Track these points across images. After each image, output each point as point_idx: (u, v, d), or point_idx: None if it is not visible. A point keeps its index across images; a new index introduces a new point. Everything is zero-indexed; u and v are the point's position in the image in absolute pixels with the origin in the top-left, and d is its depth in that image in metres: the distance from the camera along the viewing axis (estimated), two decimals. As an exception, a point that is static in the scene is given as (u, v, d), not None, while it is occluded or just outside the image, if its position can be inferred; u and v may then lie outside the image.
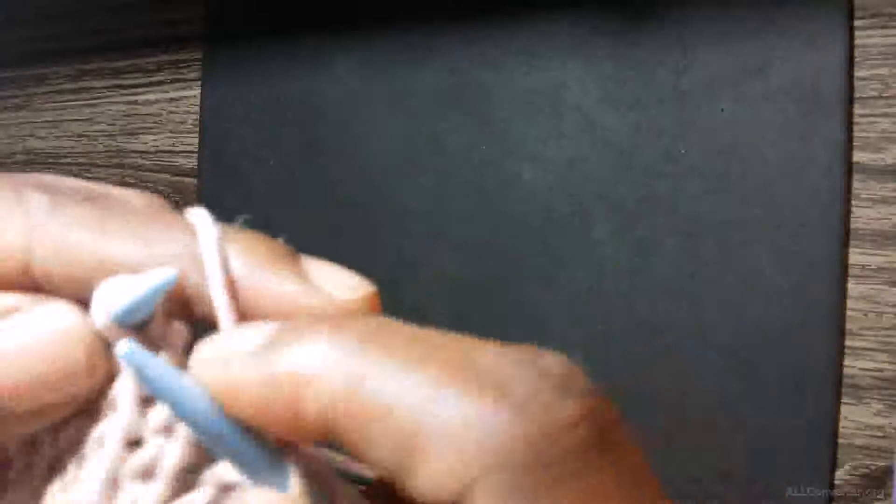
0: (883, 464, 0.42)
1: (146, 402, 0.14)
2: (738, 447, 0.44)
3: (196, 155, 0.62)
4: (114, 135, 0.66)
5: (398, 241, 0.53)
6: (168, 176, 0.63)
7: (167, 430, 0.14)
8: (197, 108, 0.62)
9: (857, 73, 0.43)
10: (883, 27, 0.42)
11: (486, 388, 0.12)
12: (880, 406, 0.42)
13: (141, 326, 0.14)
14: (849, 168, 0.43)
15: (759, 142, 0.44)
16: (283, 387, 0.13)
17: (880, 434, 0.42)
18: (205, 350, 0.14)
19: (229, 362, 0.13)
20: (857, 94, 0.43)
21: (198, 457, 0.14)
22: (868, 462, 0.42)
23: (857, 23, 0.43)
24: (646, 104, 0.47)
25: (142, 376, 0.14)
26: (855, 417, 0.42)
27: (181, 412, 0.13)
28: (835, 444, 0.42)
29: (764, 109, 0.44)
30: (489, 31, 0.51)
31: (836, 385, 0.42)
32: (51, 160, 0.69)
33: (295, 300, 0.14)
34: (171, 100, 0.63)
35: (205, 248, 0.14)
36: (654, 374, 0.46)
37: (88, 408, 0.14)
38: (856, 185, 0.43)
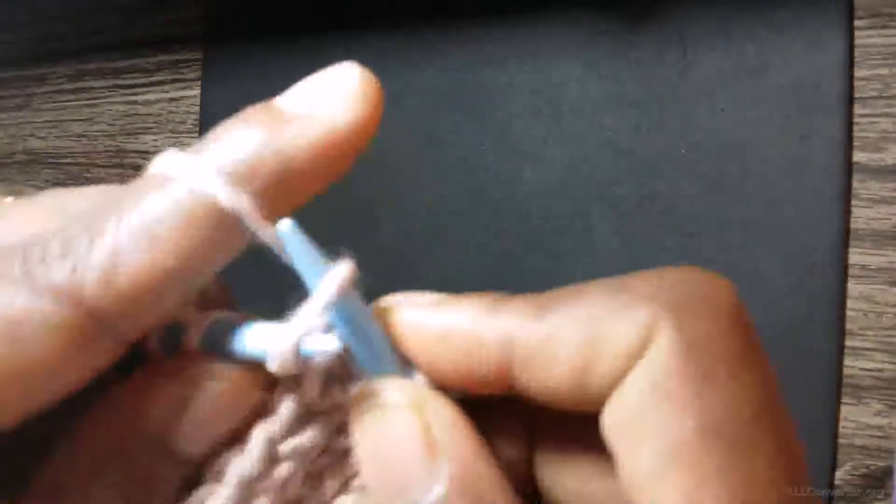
0: (883, 464, 0.42)
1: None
2: (738, 447, 0.44)
3: (196, 155, 0.62)
4: (114, 135, 0.66)
5: (398, 240, 0.53)
6: (168, 176, 0.63)
7: None
8: (197, 108, 0.62)
9: (857, 73, 0.43)
10: (883, 27, 0.42)
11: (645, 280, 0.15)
12: (880, 406, 0.42)
13: None
14: (849, 168, 0.43)
15: (759, 142, 0.44)
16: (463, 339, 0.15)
17: (880, 434, 0.42)
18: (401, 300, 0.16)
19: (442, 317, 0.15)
20: (857, 94, 0.43)
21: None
22: (868, 462, 0.42)
23: (857, 23, 0.43)
24: (646, 104, 0.47)
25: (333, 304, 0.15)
26: (855, 417, 0.42)
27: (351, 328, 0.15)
28: (835, 444, 0.42)
29: (764, 110, 0.44)
30: (489, 31, 0.51)
31: (836, 385, 0.42)
32: (51, 160, 0.69)
33: (314, 149, 0.15)
34: (171, 100, 0.63)
35: (215, 190, 0.14)
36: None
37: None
38: (856, 185, 0.43)
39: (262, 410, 0.16)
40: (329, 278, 0.15)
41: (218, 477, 0.15)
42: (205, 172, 0.14)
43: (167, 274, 0.14)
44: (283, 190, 0.15)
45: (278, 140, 0.15)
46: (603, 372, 0.14)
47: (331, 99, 0.15)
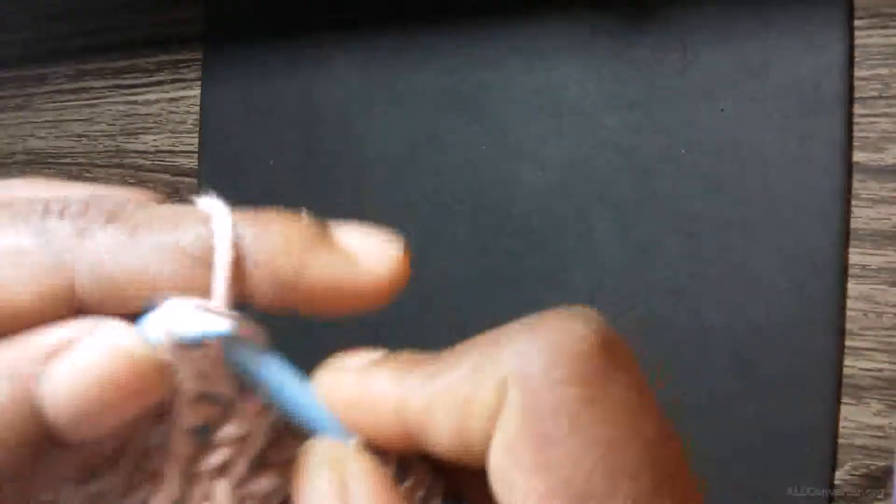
0: (883, 464, 0.42)
1: (205, 397, 0.15)
2: (738, 447, 0.44)
3: (196, 155, 0.62)
4: (114, 135, 0.66)
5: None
6: (168, 176, 0.63)
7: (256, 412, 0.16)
8: (197, 108, 0.62)
9: (857, 73, 0.43)
10: (883, 27, 0.42)
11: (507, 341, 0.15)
12: (880, 406, 0.42)
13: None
14: (849, 168, 0.43)
15: (759, 142, 0.44)
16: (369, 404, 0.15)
17: (880, 434, 0.42)
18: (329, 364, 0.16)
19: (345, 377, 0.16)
20: (857, 94, 0.43)
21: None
22: (868, 462, 0.42)
23: (857, 23, 0.43)
24: (646, 104, 0.47)
25: (247, 369, 0.15)
26: (855, 417, 0.42)
27: (280, 396, 0.16)
28: (835, 444, 0.42)
29: (764, 109, 0.44)
30: (489, 31, 0.51)
31: (836, 385, 0.42)
32: (51, 160, 0.69)
33: (332, 280, 0.16)
34: (171, 100, 0.63)
35: (218, 242, 0.15)
36: (653, 374, 0.46)
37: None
38: (856, 185, 0.43)
39: (222, 468, 0.16)
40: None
41: None
42: (227, 232, 0.15)
43: (143, 288, 0.15)
44: (276, 291, 0.15)
45: (311, 256, 0.16)
46: (475, 434, 0.14)
47: (370, 255, 0.16)
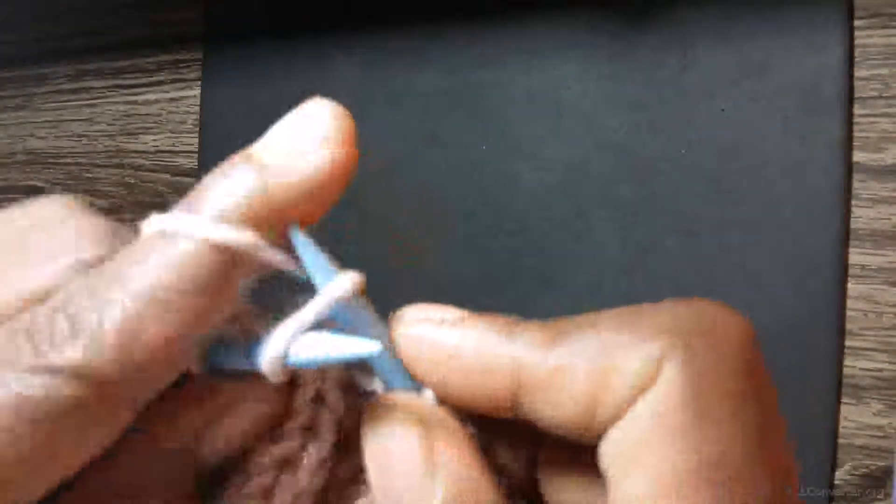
0: (883, 464, 0.42)
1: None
2: (738, 447, 0.44)
3: (196, 155, 0.62)
4: (114, 135, 0.66)
5: (398, 241, 0.53)
6: (168, 176, 0.63)
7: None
8: (197, 108, 0.62)
9: (857, 73, 0.43)
10: (883, 27, 0.42)
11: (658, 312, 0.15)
12: (880, 406, 0.42)
13: None
14: (849, 168, 0.43)
15: (759, 142, 0.44)
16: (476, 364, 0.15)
17: (880, 434, 0.42)
18: (412, 315, 0.16)
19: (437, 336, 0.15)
20: (857, 94, 0.43)
21: None
22: (868, 462, 0.42)
23: (857, 23, 0.43)
24: (646, 104, 0.47)
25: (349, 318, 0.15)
26: (855, 417, 0.42)
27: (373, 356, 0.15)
28: (835, 444, 0.42)
29: (764, 109, 0.44)
30: (489, 31, 0.51)
31: (836, 385, 0.42)
32: (51, 160, 0.69)
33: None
34: (171, 100, 0.63)
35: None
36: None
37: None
38: (856, 185, 0.43)
39: (308, 430, 0.16)
40: (328, 288, 0.15)
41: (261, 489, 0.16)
42: (205, 223, 0.14)
43: (184, 334, 0.14)
44: (274, 229, 0.15)
45: (264, 188, 0.15)
46: (610, 404, 0.14)
47: (307, 145, 0.15)
